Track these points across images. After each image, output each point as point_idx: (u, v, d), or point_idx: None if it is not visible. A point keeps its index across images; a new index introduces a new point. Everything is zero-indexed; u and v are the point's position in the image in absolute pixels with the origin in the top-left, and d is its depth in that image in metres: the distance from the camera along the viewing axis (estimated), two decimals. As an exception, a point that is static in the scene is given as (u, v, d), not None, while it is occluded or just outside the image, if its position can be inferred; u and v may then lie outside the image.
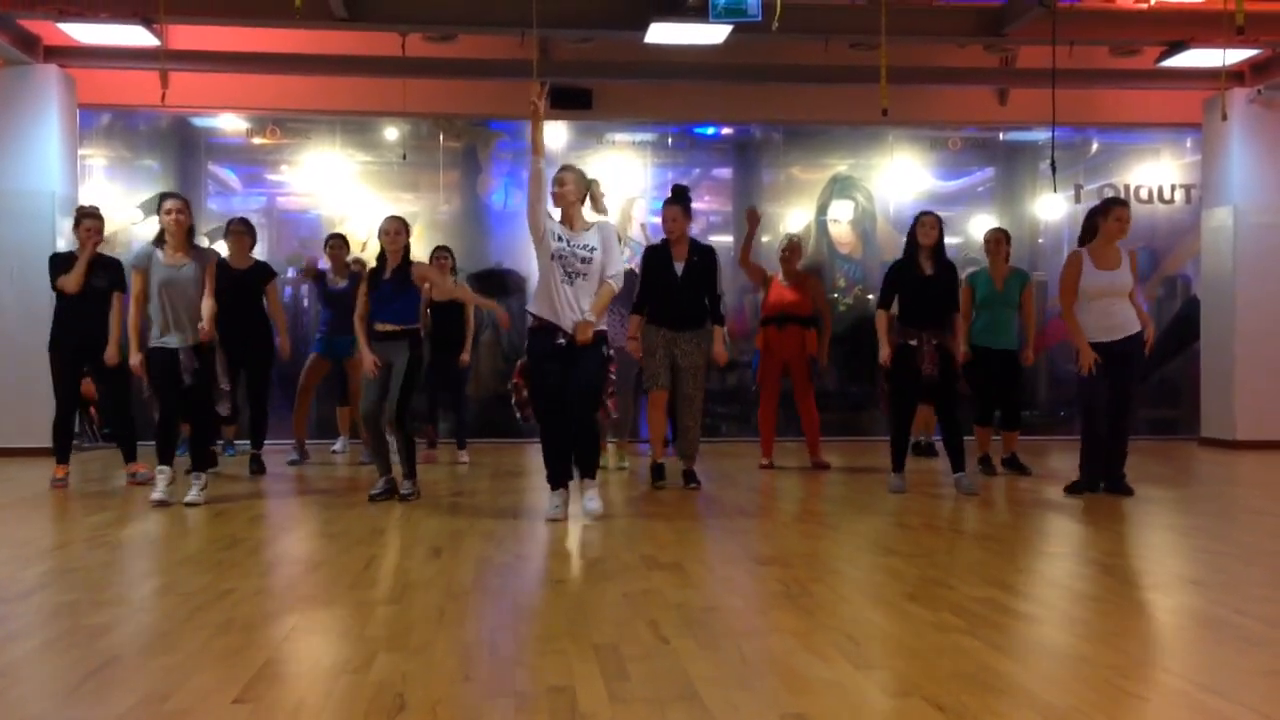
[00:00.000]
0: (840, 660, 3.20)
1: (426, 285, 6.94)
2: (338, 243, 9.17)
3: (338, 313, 8.84)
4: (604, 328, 6.08)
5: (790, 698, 2.88)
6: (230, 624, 3.67)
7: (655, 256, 7.25)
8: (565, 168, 6.13)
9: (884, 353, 7.00)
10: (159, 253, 6.51)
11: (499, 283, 11.00)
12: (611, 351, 6.24)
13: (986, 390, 7.99)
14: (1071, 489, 6.90)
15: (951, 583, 4.35)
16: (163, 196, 6.75)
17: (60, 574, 4.58)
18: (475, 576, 4.48)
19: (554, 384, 5.89)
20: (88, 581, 4.42)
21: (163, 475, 6.50)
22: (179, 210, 6.52)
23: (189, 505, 6.32)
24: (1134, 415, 7.03)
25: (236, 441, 9.25)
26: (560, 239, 5.92)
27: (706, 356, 7.23)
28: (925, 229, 7.05)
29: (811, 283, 8.68)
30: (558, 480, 6.00)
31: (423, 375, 6.93)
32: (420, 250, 9.84)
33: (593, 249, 5.92)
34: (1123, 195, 11.61)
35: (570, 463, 6.05)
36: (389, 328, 6.61)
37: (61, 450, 7.38)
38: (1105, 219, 6.79)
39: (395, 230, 6.69)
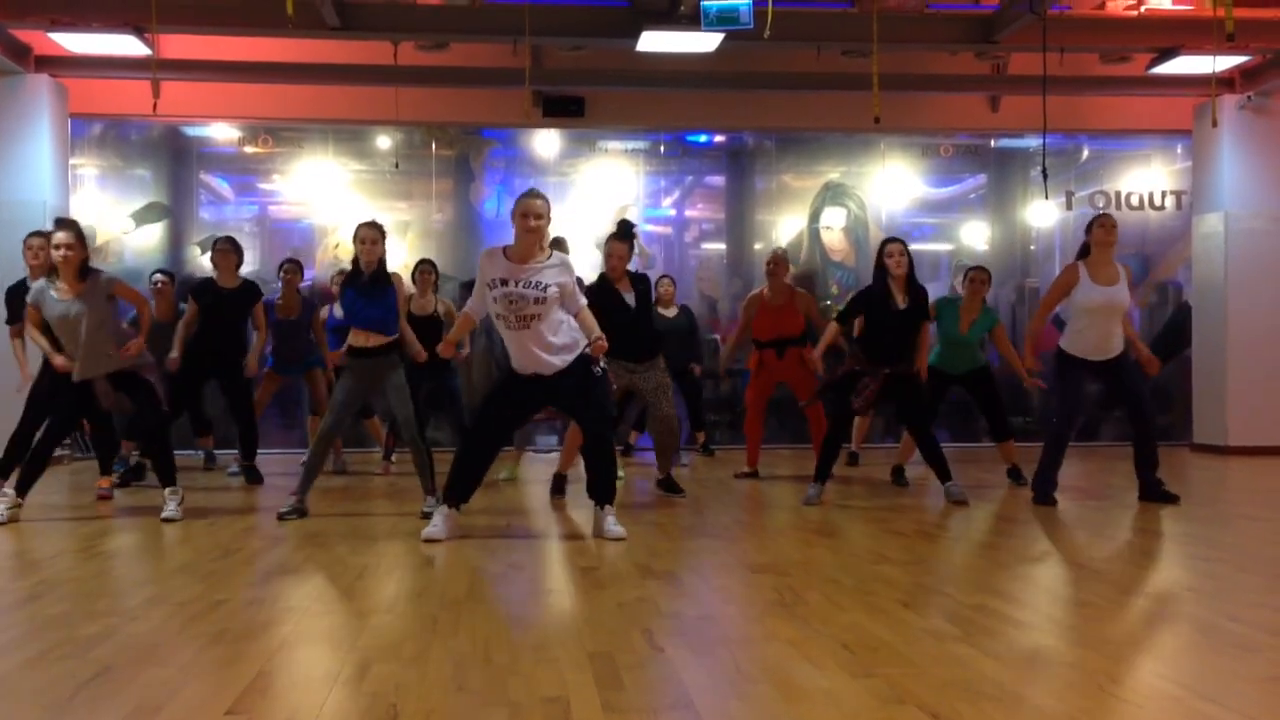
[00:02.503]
0: (835, 668, 3.20)
1: (404, 298, 6.54)
2: (292, 269, 8.68)
3: (284, 344, 8.61)
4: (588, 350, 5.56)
5: (785, 706, 2.87)
6: (223, 635, 3.65)
7: (603, 292, 6.81)
8: (538, 195, 5.49)
9: (819, 349, 7.50)
10: (51, 290, 6.08)
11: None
12: (603, 366, 5.68)
13: (989, 409, 8.02)
14: (1040, 500, 6.78)
15: (946, 590, 4.35)
16: (56, 224, 6.18)
17: (52, 585, 4.55)
18: (469, 586, 4.47)
19: (512, 401, 5.59)
20: (79, 593, 4.40)
21: (2, 498, 6.18)
22: (67, 245, 5.99)
23: (165, 521, 6.13)
24: (1154, 420, 6.99)
25: (217, 452, 9.23)
26: (503, 283, 5.34)
27: (665, 373, 7.07)
28: (894, 259, 6.79)
29: (801, 299, 8.30)
30: (460, 498, 5.66)
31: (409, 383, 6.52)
32: (408, 260, 9.85)
33: (545, 286, 5.31)
34: (1114, 201, 11.73)
35: (474, 485, 5.72)
36: (371, 342, 6.23)
37: (104, 460, 7.32)
38: (1091, 232, 6.78)
39: (373, 240, 6.25)
